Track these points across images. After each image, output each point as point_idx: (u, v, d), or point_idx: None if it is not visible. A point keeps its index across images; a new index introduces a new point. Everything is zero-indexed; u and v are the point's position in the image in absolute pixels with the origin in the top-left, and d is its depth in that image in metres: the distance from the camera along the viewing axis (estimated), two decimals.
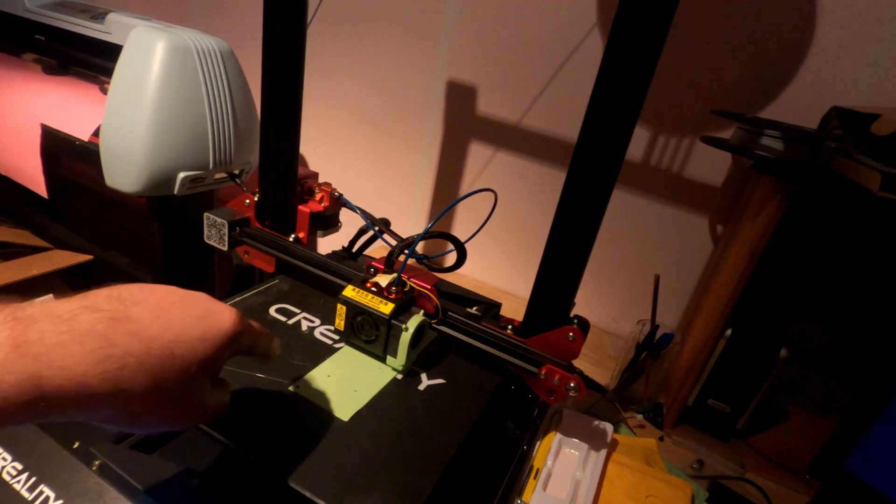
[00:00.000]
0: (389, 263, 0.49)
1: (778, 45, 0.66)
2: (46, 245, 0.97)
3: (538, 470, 0.51)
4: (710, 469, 0.62)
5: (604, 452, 0.54)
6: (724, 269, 0.65)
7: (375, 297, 0.46)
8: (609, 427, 0.57)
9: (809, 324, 0.67)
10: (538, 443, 0.54)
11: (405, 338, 0.44)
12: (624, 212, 0.82)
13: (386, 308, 0.45)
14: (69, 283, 0.96)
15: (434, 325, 0.48)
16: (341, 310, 0.46)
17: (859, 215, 0.49)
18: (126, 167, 0.69)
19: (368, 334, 0.46)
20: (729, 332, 0.60)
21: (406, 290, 0.47)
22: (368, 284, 0.47)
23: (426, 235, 0.48)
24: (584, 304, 0.89)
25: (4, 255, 0.92)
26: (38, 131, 0.77)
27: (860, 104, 0.63)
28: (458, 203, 0.96)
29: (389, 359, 0.46)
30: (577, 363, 0.79)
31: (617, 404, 0.69)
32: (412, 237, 0.51)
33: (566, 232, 0.44)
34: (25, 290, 0.86)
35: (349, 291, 0.46)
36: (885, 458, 0.46)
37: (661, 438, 0.65)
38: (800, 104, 0.66)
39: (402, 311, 0.46)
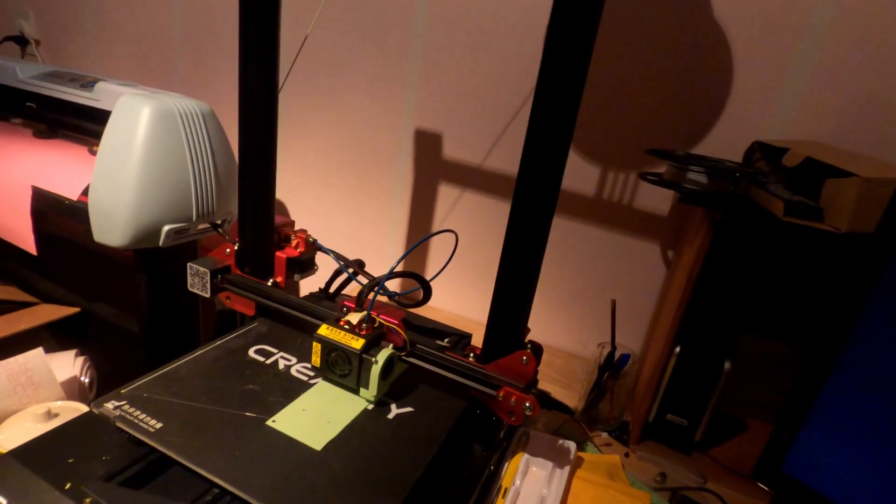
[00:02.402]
0: (360, 302, 0.54)
1: (704, 88, 0.75)
2: (33, 300, 1.00)
3: (506, 489, 0.55)
4: (673, 481, 0.65)
5: (567, 469, 0.58)
6: (671, 291, 0.70)
7: (348, 334, 0.50)
8: (572, 445, 0.61)
9: (755, 337, 0.72)
10: (506, 463, 0.58)
11: (375, 370, 0.48)
12: (584, 243, 0.88)
13: (357, 344, 0.49)
14: (55, 336, 0.99)
15: (403, 357, 0.52)
16: (316, 347, 0.50)
17: (771, 238, 0.55)
18: (114, 223, 0.73)
19: (342, 369, 0.50)
20: (678, 349, 0.65)
21: (376, 326, 0.51)
22: (341, 322, 0.51)
23: (391, 276, 0.53)
24: (553, 330, 0.95)
25: None
26: (29, 193, 0.82)
27: (779, 138, 0.71)
28: (421, 244, 1.02)
29: (363, 390, 0.50)
30: (548, 387, 0.83)
31: (583, 424, 0.73)
32: (379, 277, 0.56)
33: (513, 262, 0.49)
34: (12, 344, 0.89)
35: (323, 330, 0.51)
36: (816, 458, 0.50)
37: (626, 454, 0.69)
38: (726, 139, 0.74)
39: (372, 346, 0.50)
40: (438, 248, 1.02)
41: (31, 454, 0.46)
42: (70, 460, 0.45)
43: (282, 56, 0.58)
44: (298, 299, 0.61)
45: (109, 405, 0.46)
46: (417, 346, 0.53)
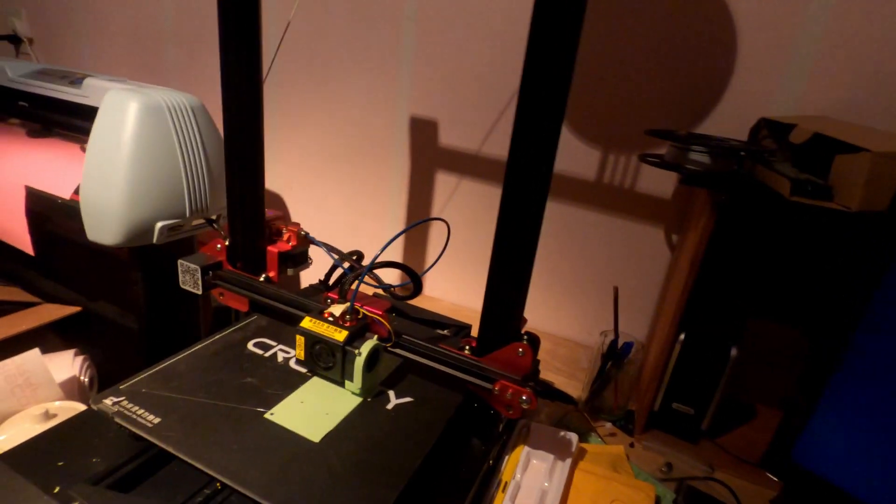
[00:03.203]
0: (343, 293, 0.53)
1: (707, 65, 0.72)
2: (35, 300, 1.00)
3: (506, 483, 0.53)
4: (679, 471, 0.64)
5: (569, 462, 0.56)
6: (675, 277, 0.68)
7: (331, 326, 0.49)
8: (574, 437, 0.59)
9: (763, 322, 0.70)
10: (507, 457, 0.57)
11: (359, 362, 0.47)
12: (586, 229, 0.86)
13: (340, 335, 0.48)
14: (59, 335, 0.99)
15: (388, 349, 0.51)
16: (300, 340, 0.50)
17: (778, 219, 0.53)
18: (105, 221, 0.72)
19: (326, 361, 0.49)
20: (682, 336, 0.63)
21: (360, 317, 0.50)
22: (325, 315, 0.50)
23: (373, 266, 0.52)
24: (557, 318, 0.93)
25: None
26: (23, 193, 0.81)
27: (786, 114, 0.68)
28: (410, 231, 1.00)
29: (347, 383, 0.49)
30: (552, 377, 0.82)
31: (586, 414, 0.71)
32: (362, 268, 0.54)
33: (506, 252, 0.47)
34: (15, 344, 0.89)
35: (307, 322, 0.50)
36: (826, 447, 0.48)
37: (631, 445, 0.67)
38: (731, 117, 0.71)
39: (356, 338, 0.49)
40: (436, 238, 1.01)
41: (22, 457, 0.46)
42: (60, 463, 0.45)
43: (268, 45, 0.56)
44: (291, 294, 0.59)
45: (108, 401, 0.46)
46: (403, 336, 0.52)
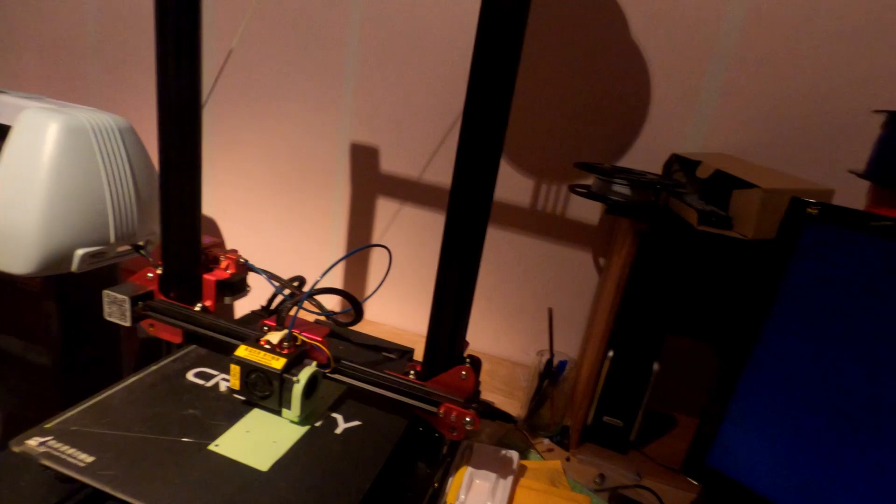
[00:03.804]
0: (280, 320, 0.52)
1: (627, 105, 0.79)
2: None
3: None
4: (612, 481, 0.68)
5: (511, 479, 0.58)
6: (603, 298, 0.74)
7: (268, 353, 0.49)
8: (515, 455, 0.62)
9: (682, 339, 0.77)
10: (451, 479, 0.58)
11: (297, 389, 0.47)
12: (521, 253, 0.91)
13: (278, 363, 0.48)
14: None
15: (328, 375, 0.51)
16: (235, 369, 0.49)
17: (689, 246, 0.59)
18: (17, 248, 0.67)
19: (263, 390, 0.48)
20: (611, 353, 0.68)
21: (298, 344, 0.50)
22: (262, 342, 0.50)
23: (312, 293, 0.52)
24: (496, 339, 0.96)
25: None
26: None
27: (694, 151, 0.77)
28: (350, 257, 1.00)
29: (285, 411, 0.49)
30: (491, 396, 0.84)
31: (525, 432, 0.74)
32: (299, 294, 0.54)
33: (448, 280, 0.50)
34: None
35: (241, 351, 0.49)
36: (735, 452, 0.54)
37: (567, 459, 0.70)
38: (648, 152, 0.79)
39: (294, 365, 0.49)
40: (376, 263, 1.02)
41: None
42: None
43: (208, 69, 0.56)
44: (228, 323, 0.58)
45: (32, 442, 0.42)
46: (343, 362, 0.52)
